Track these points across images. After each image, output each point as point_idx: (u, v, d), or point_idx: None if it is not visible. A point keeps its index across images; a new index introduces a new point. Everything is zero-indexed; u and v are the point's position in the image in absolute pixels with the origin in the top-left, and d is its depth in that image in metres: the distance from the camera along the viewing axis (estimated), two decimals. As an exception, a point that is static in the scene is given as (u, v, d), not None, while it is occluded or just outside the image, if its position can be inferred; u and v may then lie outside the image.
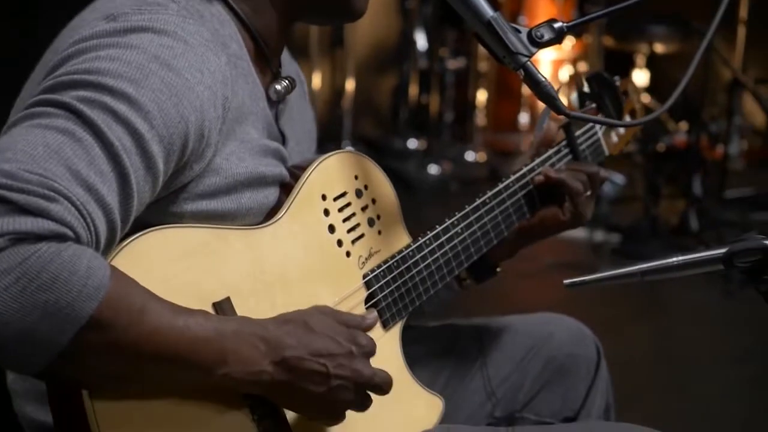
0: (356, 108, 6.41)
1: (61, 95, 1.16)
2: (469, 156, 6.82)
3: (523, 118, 7.11)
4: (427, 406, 1.58)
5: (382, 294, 1.52)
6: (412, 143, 6.66)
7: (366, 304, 1.50)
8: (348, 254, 1.49)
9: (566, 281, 1.37)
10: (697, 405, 3.36)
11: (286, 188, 1.43)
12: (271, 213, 1.41)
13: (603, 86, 1.87)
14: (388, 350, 1.52)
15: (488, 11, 1.33)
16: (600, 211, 5.00)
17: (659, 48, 6.27)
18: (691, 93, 5.19)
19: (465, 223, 1.63)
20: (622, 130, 1.94)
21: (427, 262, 1.58)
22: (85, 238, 1.09)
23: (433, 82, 6.81)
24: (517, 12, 6.79)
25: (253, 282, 1.34)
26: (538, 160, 1.75)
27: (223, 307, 1.27)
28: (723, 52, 5.63)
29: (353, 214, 1.50)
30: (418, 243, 1.57)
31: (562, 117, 1.41)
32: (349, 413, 1.35)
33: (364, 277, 1.50)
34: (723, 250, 1.31)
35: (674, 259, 1.33)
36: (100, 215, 1.12)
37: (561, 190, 1.72)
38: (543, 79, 1.33)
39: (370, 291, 1.50)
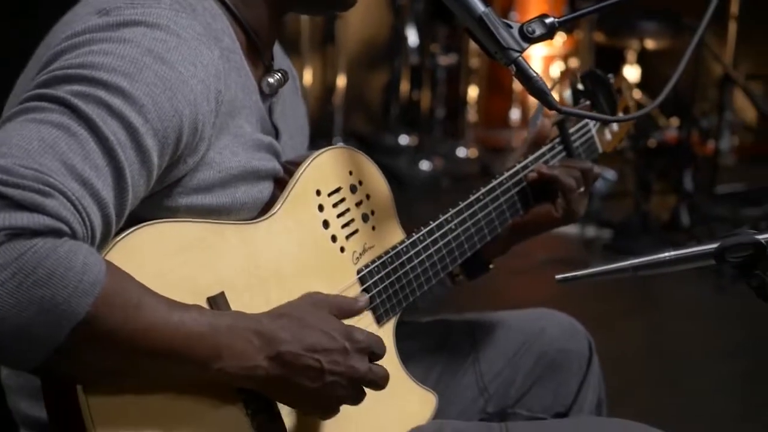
0: (347, 104, 6.41)
1: (55, 90, 1.16)
2: (461, 152, 6.82)
3: (515, 114, 7.12)
4: (421, 401, 1.58)
5: (376, 290, 1.52)
6: (404, 139, 6.66)
7: (360, 299, 1.50)
8: (342, 250, 1.49)
9: (558, 276, 1.37)
10: (689, 400, 3.37)
11: (280, 183, 1.43)
12: (265, 208, 1.41)
13: (597, 84, 1.87)
14: (382, 346, 1.52)
15: (480, 7, 1.33)
16: (591, 207, 5.01)
17: (650, 44, 6.29)
18: (682, 89, 5.20)
19: (459, 219, 1.63)
20: (615, 127, 1.95)
21: (421, 258, 1.58)
22: (80, 233, 1.09)
23: (424, 78, 6.82)
24: (508, 8, 6.80)
25: (248, 277, 1.34)
26: (531, 157, 1.75)
27: (218, 301, 1.27)
28: (714, 47, 5.64)
29: (347, 210, 1.50)
30: (412, 239, 1.57)
31: (555, 113, 1.41)
32: (343, 408, 1.36)
33: (359, 272, 1.51)
34: (714, 245, 1.31)
35: (666, 254, 1.34)
36: (95, 210, 1.12)
37: (554, 186, 1.72)
38: (534, 75, 1.33)
39: (365, 286, 1.50)
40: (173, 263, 1.25)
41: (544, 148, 1.77)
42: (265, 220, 1.39)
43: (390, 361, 1.53)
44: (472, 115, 7.15)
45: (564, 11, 6.62)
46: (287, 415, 1.34)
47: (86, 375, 1.15)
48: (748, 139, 7.06)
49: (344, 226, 1.50)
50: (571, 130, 1.82)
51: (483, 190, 1.67)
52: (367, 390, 1.36)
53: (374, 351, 1.36)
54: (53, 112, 1.14)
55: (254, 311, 1.28)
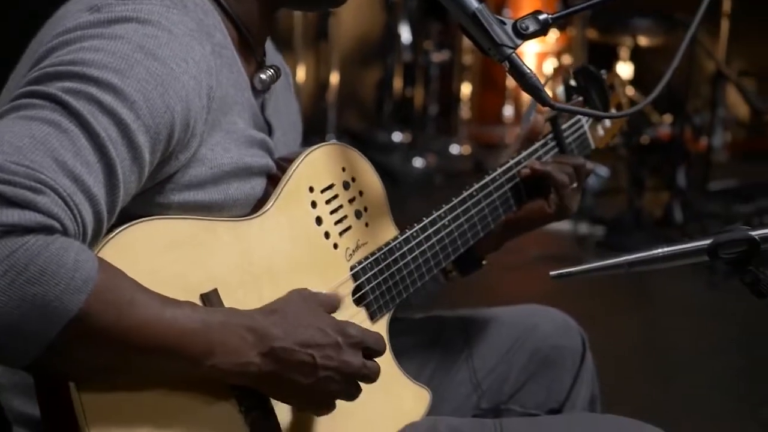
0: (341, 101, 6.40)
1: (46, 86, 1.16)
2: (454, 149, 6.82)
3: (508, 110, 7.12)
4: (415, 398, 1.58)
5: (370, 286, 1.52)
6: (397, 136, 6.66)
7: (353, 296, 1.50)
8: (335, 246, 1.49)
9: (552, 273, 1.37)
10: (682, 396, 3.38)
11: (273, 180, 1.43)
12: (258, 205, 1.40)
13: (590, 80, 1.87)
14: (375, 342, 1.52)
15: (473, 3, 1.33)
16: (584, 203, 5.02)
17: (643, 41, 6.29)
18: (675, 85, 5.20)
19: (452, 215, 1.63)
20: (608, 123, 1.95)
21: (414, 254, 1.58)
22: (72, 230, 1.09)
23: (417, 74, 6.81)
24: (501, 5, 6.79)
25: (241, 274, 1.33)
26: (524, 153, 1.75)
27: (211, 298, 1.27)
28: (707, 44, 5.64)
29: (340, 206, 1.50)
30: (406, 235, 1.57)
31: (548, 110, 1.41)
32: (337, 405, 1.35)
33: (352, 269, 1.50)
34: (708, 242, 1.32)
35: (660, 250, 1.34)
36: (86, 206, 1.12)
37: (547, 182, 1.73)
38: (528, 71, 1.33)
39: (358, 283, 1.50)
40: (165, 260, 1.25)
41: (537, 144, 1.77)
42: (258, 217, 1.39)
43: (383, 358, 1.52)
44: (465, 112, 7.14)
45: (557, 8, 6.62)
46: (281, 411, 1.34)
47: (79, 372, 1.14)
48: (741, 135, 7.08)
49: (337, 222, 1.50)
50: (564, 126, 1.82)
51: (476, 186, 1.67)
52: (361, 386, 1.36)
53: (369, 346, 1.35)
54: (44, 109, 1.14)
55: (247, 308, 1.28)
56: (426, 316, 1.88)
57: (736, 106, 6.86)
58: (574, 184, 1.74)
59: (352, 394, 1.35)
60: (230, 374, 1.23)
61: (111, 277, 1.12)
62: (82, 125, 1.14)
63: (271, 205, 1.40)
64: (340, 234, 1.50)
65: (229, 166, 1.34)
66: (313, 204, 1.46)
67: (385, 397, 1.50)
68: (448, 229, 1.63)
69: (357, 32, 6.73)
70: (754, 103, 5.58)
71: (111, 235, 1.19)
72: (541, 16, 1.35)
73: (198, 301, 1.26)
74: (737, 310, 3.93)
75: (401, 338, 1.63)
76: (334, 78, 6.34)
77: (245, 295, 1.32)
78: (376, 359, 1.37)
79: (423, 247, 1.59)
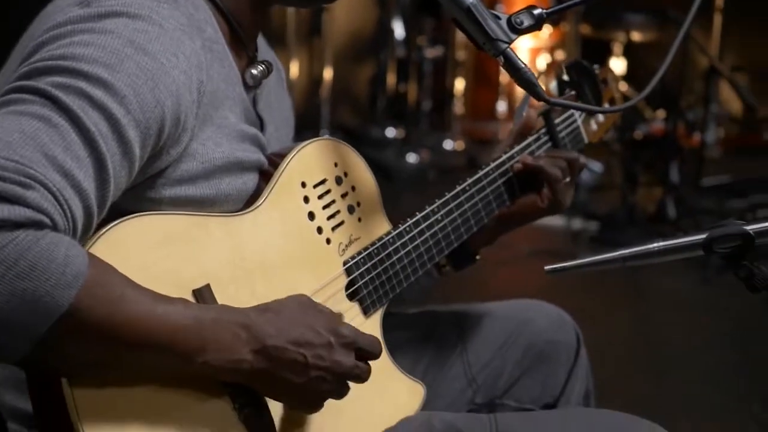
0: (334, 97, 6.40)
1: (36, 81, 1.15)
2: (447, 144, 6.83)
3: (501, 106, 7.13)
4: (409, 392, 1.58)
5: (363, 281, 1.51)
6: (390, 132, 6.67)
7: (346, 291, 1.50)
8: (328, 241, 1.48)
9: (547, 267, 1.37)
10: (676, 390, 3.38)
11: (265, 175, 1.43)
12: (250, 200, 1.40)
13: (582, 74, 1.87)
14: (368, 337, 1.52)
15: (467, -2, 1.33)
16: (578, 199, 5.02)
17: (636, 36, 6.30)
18: (669, 81, 5.21)
19: (445, 210, 1.63)
20: (601, 117, 1.94)
21: (407, 249, 1.57)
22: (62, 225, 1.09)
23: (410, 70, 6.81)
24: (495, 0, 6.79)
25: (233, 269, 1.33)
26: (517, 148, 1.74)
27: (204, 294, 1.27)
28: (700, 40, 5.65)
29: (333, 201, 1.50)
30: (399, 230, 1.57)
31: (541, 104, 1.41)
32: (331, 400, 1.35)
33: (345, 264, 1.50)
34: (703, 236, 1.31)
35: (655, 244, 1.33)
36: (76, 201, 1.11)
37: (540, 177, 1.72)
38: (523, 66, 1.33)
39: (351, 278, 1.50)
40: (157, 256, 1.24)
41: (530, 139, 1.77)
42: (250, 212, 1.38)
43: (377, 353, 1.53)
44: (458, 108, 7.15)
45: (551, 2, 6.63)
46: (275, 407, 1.33)
47: (70, 367, 1.14)
48: (734, 130, 7.09)
49: (330, 217, 1.49)
50: (557, 121, 1.82)
51: (469, 181, 1.67)
52: (356, 381, 1.36)
53: (362, 347, 1.35)
54: (34, 104, 1.13)
55: (240, 303, 1.28)
56: (420, 311, 1.87)
57: (729, 101, 6.87)
58: (567, 179, 1.74)
59: (342, 393, 1.35)
60: (222, 371, 1.22)
61: (102, 272, 1.12)
62: (72, 120, 1.13)
63: (264, 201, 1.40)
64: (333, 229, 1.49)
65: (220, 160, 1.33)
66: (306, 199, 1.46)
67: (380, 392, 1.50)
68: (442, 224, 1.62)
69: (350, 28, 6.73)
70: (747, 99, 5.58)
71: (102, 231, 1.18)
72: (536, 11, 1.35)
73: (190, 297, 1.26)
74: (730, 305, 3.94)
75: (395, 333, 1.63)
76: (328, 74, 6.33)
77: (237, 290, 1.32)
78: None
79: (416, 242, 1.59)
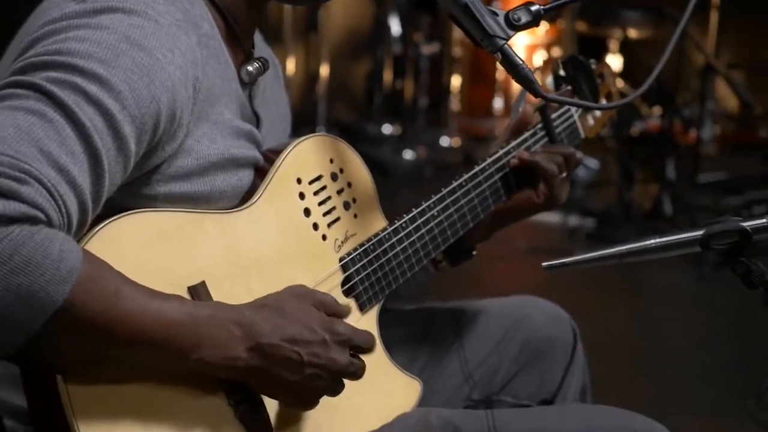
0: (330, 93, 6.40)
1: (31, 76, 1.15)
2: (444, 141, 6.83)
3: (498, 103, 7.12)
4: (405, 389, 1.58)
5: (359, 277, 1.51)
6: (387, 128, 6.66)
7: (342, 287, 1.50)
8: (324, 238, 1.48)
9: (545, 264, 1.37)
10: (673, 387, 3.39)
11: (260, 172, 1.42)
12: (246, 197, 1.40)
13: (578, 69, 1.87)
14: (365, 334, 1.51)
15: (465, -6, 1.33)
16: (574, 195, 5.03)
17: (632, 33, 6.30)
18: (665, 78, 5.21)
19: (441, 205, 1.62)
20: (598, 112, 1.94)
21: (403, 245, 1.57)
22: (56, 221, 1.08)
23: (407, 67, 6.81)
24: (492, -5, 6.79)
25: (228, 266, 1.32)
26: (514, 143, 1.74)
27: (199, 291, 1.27)
28: (696, 37, 5.65)
29: (329, 198, 1.49)
30: (395, 226, 1.57)
31: (537, 100, 1.41)
32: (327, 396, 1.35)
33: (341, 260, 1.50)
34: (700, 233, 1.31)
35: (652, 241, 1.33)
36: (71, 197, 1.11)
37: (536, 172, 1.72)
38: (520, 62, 1.33)
39: (347, 274, 1.50)
40: (151, 253, 1.24)
41: (527, 134, 1.77)
42: (246, 209, 1.38)
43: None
44: (455, 104, 7.15)
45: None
46: (271, 404, 1.33)
47: (65, 363, 1.14)
48: (730, 128, 7.09)
49: (326, 213, 1.49)
50: (554, 116, 1.81)
51: (466, 176, 1.67)
52: (351, 378, 1.35)
53: (357, 344, 1.35)
54: (29, 99, 1.13)
55: (235, 300, 1.28)
56: (416, 308, 1.87)
57: (725, 98, 6.87)
58: (563, 174, 1.73)
59: (337, 390, 1.35)
60: (217, 368, 1.22)
61: (96, 268, 1.11)
62: (67, 115, 1.13)
63: (259, 197, 1.40)
64: (329, 225, 1.49)
65: (215, 157, 1.33)
66: (301, 195, 1.46)
67: (376, 389, 1.49)
68: (438, 219, 1.62)
69: (347, 24, 6.73)
70: (743, 96, 5.58)
71: (97, 229, 1.18)
72: (533, 8, 1.35)
73: (185, 294, 1.25)
74: (727, 302, 3.95)
75: (391, 329, 1.63)
76: (324, 70, 6.33)
77: (232, 287, 1.31)
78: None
79: (412, 238, 1.58)
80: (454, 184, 1.65)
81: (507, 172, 1.72)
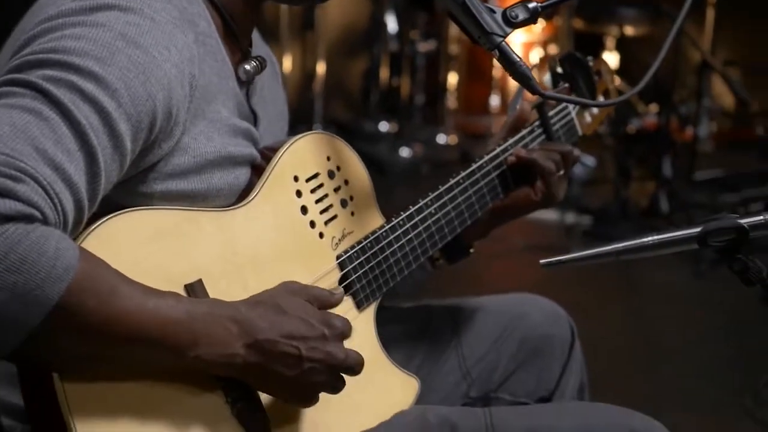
0: (327, 91, 6.40)
1: (27, 75, 1.15)
2: (441, 139, 6.82)
3: (494, 100, 7.11)
4: (403, 386, 1.58)
5: (356, 275, 1.51)
6: (383, 126, 6.66)
7: (340, 285, 1.49)
8: (321, 235, 1.48)
9: (542, 261, 1.37)
10: (670, 384, 3.39)
11: (257, 170, 1.42)
12: (242, 195, 1.40)
13: (576, 66, 1.87)
14: (362, 331, 1.51)
15: (463, -9, 1.33)
16: (571, 193, 5.02)
17: (629, 30, 6.29)
18: (662, 75, 5.21)
19: (439, 203, 1.62)
20: (595, 110, 1.94)
21: (401, 242, 1.57)
22: (52, 219, 1.08)
23: (403, 64, 6.80)
24: (488, -7, 6.79)
25: (224, 264, 1.32)
26: (511, 141, 1.74)
27: (195, 289, 1.26)
28: (692, 34, 5.65)
29: (326, 195, 1.49)
30: (392, 224, 1.56)
31: (535, 97, 1.41)
32: (325, 394, 1.35)
33: (338, 258, 1.49)
34: (697, 230, 1.31)
35: (649, 238, 1.33)
36: (67, 195, 1.11)
37: (533, 169, 1.72)
38: (518, 60, 1.33)
39: (344, 272, 1.49)
40: (148, 251, 1.24)
41: (524, 132, 1.77)
42: (242, 207, 1.38)
43: (371, 347, 1.53)
44: (451, 102, 7.14)
45: (544, -3, 6.62)
46: (268, 401, 1.33)
47: (61, 361, 1.14)
48: (726, 125, 7.09)
49: (323, 211, 1.49)
50: (551, 114, 1.81)
51: (463, 174, 1.66)
52: (348, 377, 1.35)
53: (347, 335, 1.35)
54: (25, 97, 1.13)
55: (232, 298, 1.27)
56: (414, 305, 1.87)
57: (722, 96, 6.87)
58: (561, 172, 1.73)
59: (337, 386, 1.35)
60: (215, 365, 1.22)
61: (92, 266, 1.11)
62: (63, 113, 1.12)
63: (256, 195, 1.39)
64: (326, 223, 1.49)
65: (212, 155, 1.33)
66: (298, 193, 1.45)
67: (374, 386, 1.49)
68: (435, 217, 1.62)
69: (343, 22, 6.72)
70: (740, 93, 5.58)
71: (93, 226, 1.18)
72: (531, 5, 1.36)
73: (182, 292, 1.25)
74: (724, 299, 3.95)
75: (389, 327, 1.63)
76: (321, 68, 6.32)
77: (229, 285, 1.31)
78: (363, 348, 1.36)
79: (410, 236, 1.58)
80: (452, 181, 1.65)
81: (504, 169, 1.72)
